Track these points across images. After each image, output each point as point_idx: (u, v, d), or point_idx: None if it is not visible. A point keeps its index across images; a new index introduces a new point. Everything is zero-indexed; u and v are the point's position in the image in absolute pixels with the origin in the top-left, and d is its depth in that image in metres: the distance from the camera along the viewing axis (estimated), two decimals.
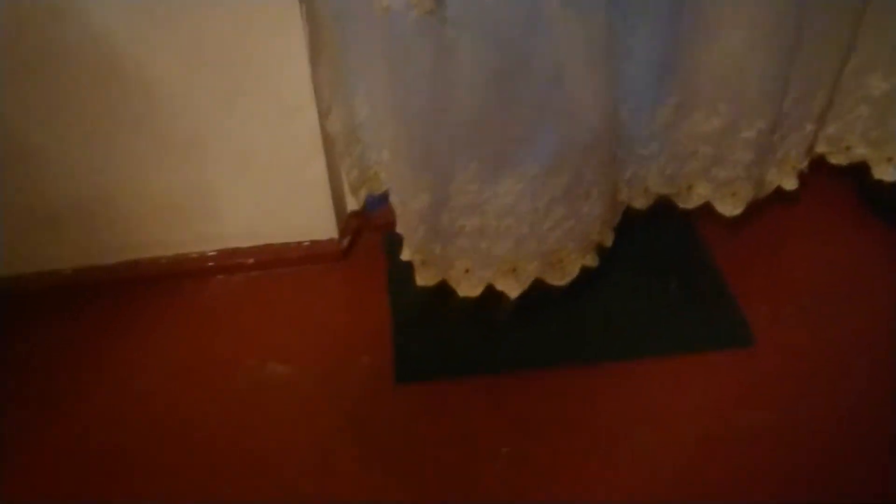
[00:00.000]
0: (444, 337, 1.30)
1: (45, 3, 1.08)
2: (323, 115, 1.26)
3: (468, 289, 1.23)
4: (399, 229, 1.24)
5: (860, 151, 1.44)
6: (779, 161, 1.38)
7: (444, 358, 1.27)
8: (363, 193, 1.38)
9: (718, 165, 1.31)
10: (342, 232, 1.43)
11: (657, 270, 1.40)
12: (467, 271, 1.22)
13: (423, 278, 1.25)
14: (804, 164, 1.41)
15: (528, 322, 1.31)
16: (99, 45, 1.13)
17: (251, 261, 1.41)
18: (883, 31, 1.30)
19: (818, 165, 1.45)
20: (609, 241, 1.32)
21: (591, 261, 1.27)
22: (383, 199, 1.31)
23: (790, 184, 1.40)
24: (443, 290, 1.26)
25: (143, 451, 1.15)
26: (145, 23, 1.12)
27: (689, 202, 1.37)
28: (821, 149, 1.45)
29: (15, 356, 1.30)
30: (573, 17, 1.02)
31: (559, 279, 1.23)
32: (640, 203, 1.39)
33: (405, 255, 1.25)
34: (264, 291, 1.39)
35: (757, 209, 1.40)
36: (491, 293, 1.22)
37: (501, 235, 1.18)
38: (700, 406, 1.18)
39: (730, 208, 1.36)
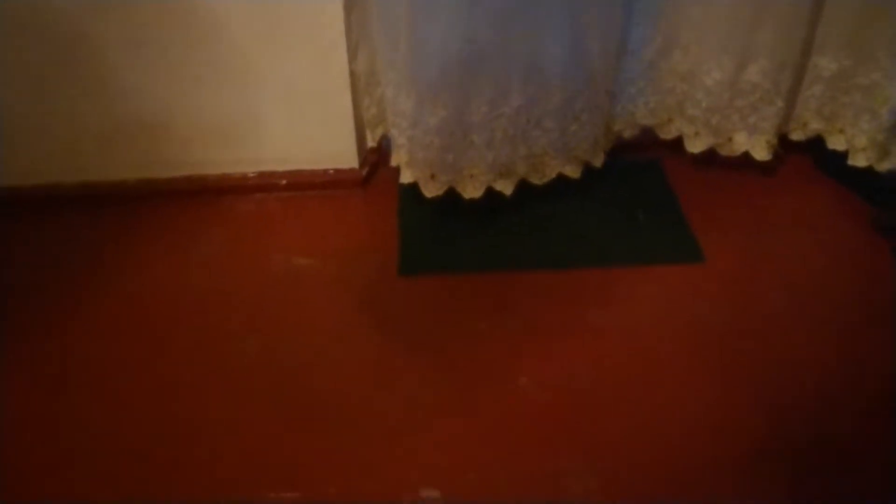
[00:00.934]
0: (440, 243, 1.55)
1: None
2: (351, 55, 1.52)
3: (473, 191, 1.51)
4: (400, 157, 1.50)
5: (815, 126, 1.66)
6: (751, 128, 1.61)
7: (439, 258, 1.52)
8: (379, 132, 1.64)
9: (689, 102, 1.57)
10: (362, 163, 1.67)
11: (630, 203, 1.63)
12: (472, 177, 1.50)
13: (431, 190, 1.50)
14: (775, 140, 1.63)
15: (515, 234, 1.55)
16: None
17: (284, 182, 1.66)
18: (830, 17, 1.52)
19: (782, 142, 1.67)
20: (598, 162, 1.59)
21: (572, 172, 1.55)
22: None
23: (761, 154, 1.63)
24: (440, 208, 1.54)
25: (187, 317, 1.42)
26: None
27: (668, 133, 1.65)
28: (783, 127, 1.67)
29: (84, 247, 1.57)
30: None
31: (538, 179, 1.54)
32: (628, 133, 1.66)
33: (406, 178, 1.52)
34: (294, 207, 1.64)
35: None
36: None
37: (501, 144, 1.45)
38: (654, 302, 1.40)
39: (691, 145, 1.62)
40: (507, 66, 1.40)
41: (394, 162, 1.55)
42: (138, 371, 1.31)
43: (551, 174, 1.56)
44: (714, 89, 1.54)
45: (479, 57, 1.36)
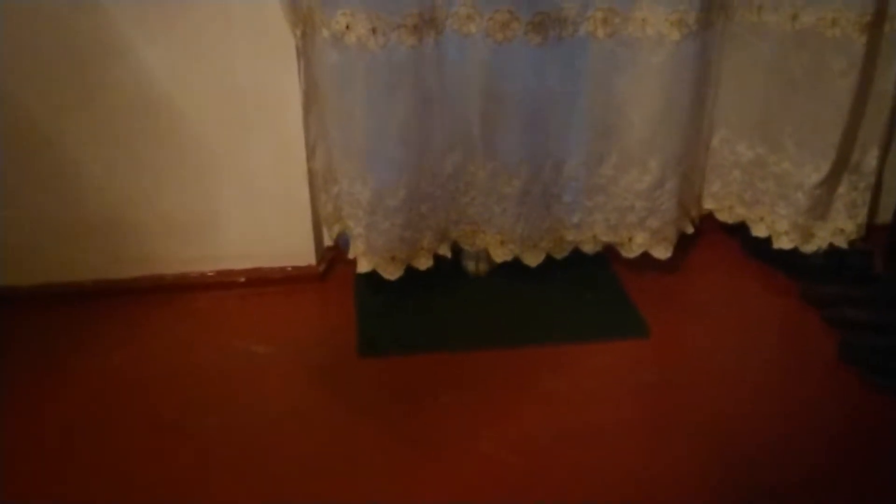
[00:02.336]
0: (398, 325, 1.60)
1: (105, 46, 1.45)
2: (309, 153, 1.61)
3: (425, 262, 1.61)
4: (357, 247, 1.58)
5: (739, 211, 1.80)
6: (686, 208, 1.74)
7: (397, 339, 1.56)
8: (336, 229, 1.71)
9: (652, 216, 1.65)
10: (320, 259, 1.73)
11: (578, 283, 1.71)
12: (423, 248, 1.60)
13: (392, 273, 1.58)
14: (695, 213, 1.77)
15: (469, 313, 1.62)
16: (141, 83, 1.50)
17: (243, 279, 1.71)
18: (743, 111, 1.70)
19: (712, 227, 1.82)
20: (532, 262, 1.66)
21: (502, 254, 1.65)
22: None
23: (688, 228, 1.75)
24: (395, 294, 1.61)
25: (152, 405, 1.40)
26: (183, 65, 1.49)
27: (631, 251, 1.70)
28: (710, 205, 1.81)
29: (38, 345, 1.56)
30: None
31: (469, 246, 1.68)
32: (589, 248, 1.73)
33: (364, 267, 1.58)
34: (252, 302, 1.68)
35: None
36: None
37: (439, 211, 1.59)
38: (604, 372, 1.45)
39: (663, 252, 1.69)
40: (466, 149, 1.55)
41: (352, 254, 1.61)
42: (100, 452, 1.29)
43: (481, 244, 1.67)
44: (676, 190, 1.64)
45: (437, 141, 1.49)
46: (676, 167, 1.61)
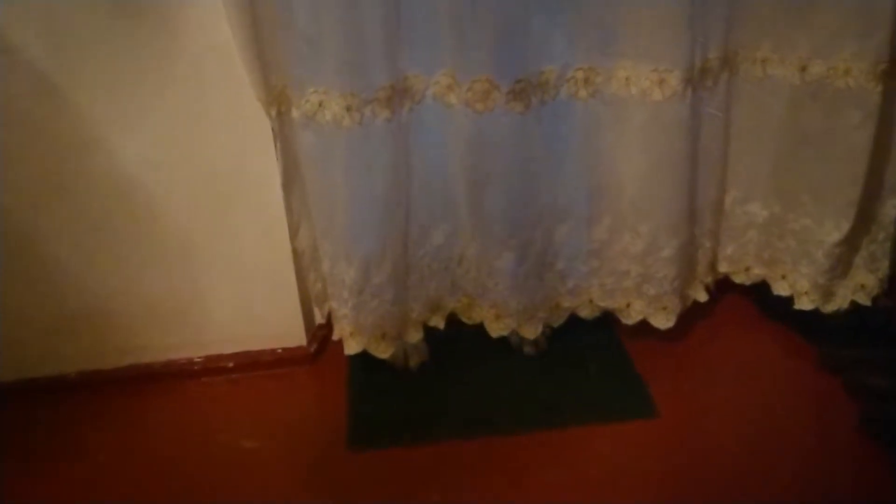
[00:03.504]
0: (390, 413, 1.51)
1: (78, 139, 1.40)
2: (293, 233, 1.54)
3: (414, 335, 1.56)
4: (343, 329, 1.50)
5: (758, 272, 1.68)
6: (693, 277, 1.63)
7: (389, 429, 1.47)
8: (327, 307, 1.63)
9: (648, 283, 1.55)
10: (310, 339, 1.66)
11: (581, 358, 1.61)
12: (411, 321, 1.55)
13: (384, 350, 1.52)
14: (709, 279, 1.65)
15: (466, 397, 1.53)
16: (117, 173, 1.45)
17: (231, 364, 1.63)
18: (755, 169, 1.59)
19: (725, 286, 1.69)
20: (530, 334, 1.55)
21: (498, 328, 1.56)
22: None
23: (701, 296, 1.64)
24: (389, 376, 1.54)
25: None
26: (158, 153, 1.44)
27: (630, 318, 1.60)
28: (725, 269, 1.69)
29: (19, 439, 1.50)
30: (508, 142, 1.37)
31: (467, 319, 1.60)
32: (586, 313, 1.63)
33: (352, 349, 1.51)
34: (241, 389, 1.60)
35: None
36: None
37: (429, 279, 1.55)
38: (608, 461, 1.34)
39: (663, 321, 1.58)
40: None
41: (336, 335, 1.53)
42: None
43: (477, 318, 1.58)
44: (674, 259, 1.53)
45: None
46: (672, 234, 1.50)
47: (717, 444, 1.38)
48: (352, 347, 1.51)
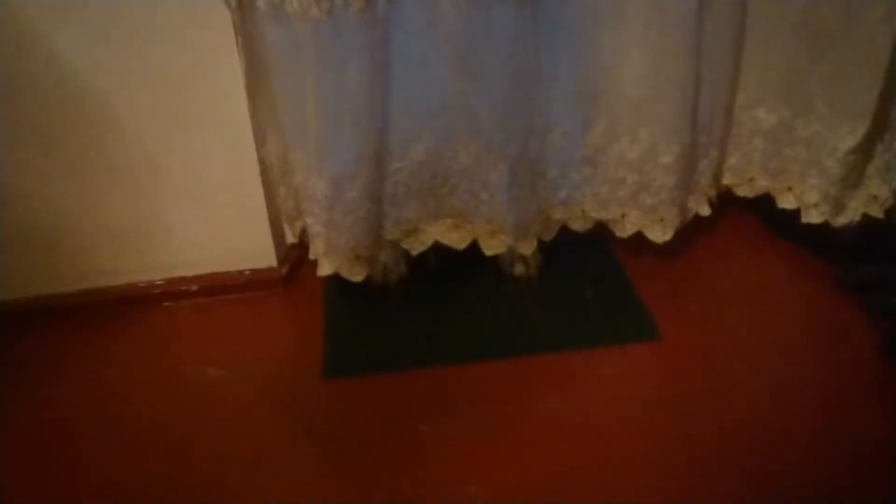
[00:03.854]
0: (370, 339, 1.40)
1: (15, 34, 1.23)
2: (259, 141, 1.39)
3: (386, 255, 1.43)
4: (317, 247, 1.37)
5: (762, 183, 1.56)
6: (694, 188, 1.51)
7: (370, 356, 1.36)
8: (299, 225, 1.49)
9: (645, 192, 1.43)
10: (282, 260, 1.52)
11: (576, 280, 1.49)
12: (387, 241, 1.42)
13: (358, 273, 1.39)
14: (713, 192, 1.53)
15: (454, 322, 1.41)
16: (63, 75, 1.28)
17: (195, 288, 1.50)
18: (764, 72, 1.45)
19: (727, 201, 1.57)
20: (526, 249, 1.44)
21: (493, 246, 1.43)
22: None
23: (704, 210, 1.52)
24: (368, 301, 1.43)
25: (89, 445, 1.22)
26: (105, 53, 1.27)
27: (624, 230, 1.48)
28: (727, 180, 1.57)
29: None
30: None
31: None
32: (579, 226, 1.51)
33: (325, 270, 1.38)
34: (207, 315, 1.48)
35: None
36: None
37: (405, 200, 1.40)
38: (611, 385, 1.24)
39: (659, 234, 1.47)
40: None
41: (312, 255, 1.41)
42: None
43: (467, 238, 1.45)
44: (674, 167, 1.41)
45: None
46: (673, 139, 1.37)
47: (726, 370, 1.28)
48: (324, 268, 1.39)
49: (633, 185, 1.43)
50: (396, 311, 1.43)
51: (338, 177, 1.29)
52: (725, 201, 1.60)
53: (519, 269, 1.50)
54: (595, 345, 1.33)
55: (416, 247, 1.45)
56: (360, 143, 1.28)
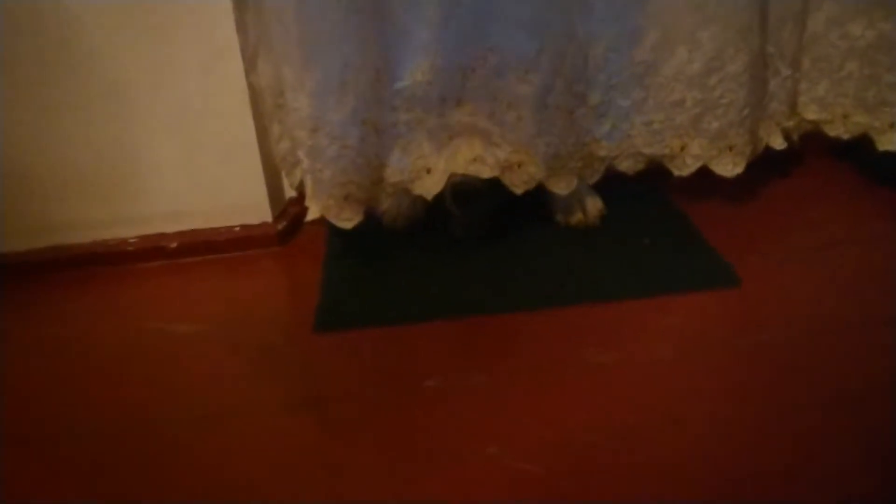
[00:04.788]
0: (378, 293, 1.13)
1: None
2: (248, 65, 1.17)
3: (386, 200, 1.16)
4: (309, 182, 1.13)
5: (859, 120, 1.28)
6: (763, 113, 1.24)
7: (375, 310, 1.09)
8: (298, 174, 1.25)
9: (710, 113, 1.17)
10: (278, 216, 1.28)
11: (629, 229, 1.22)
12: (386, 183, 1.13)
13: (348, 217, 1.13)
14: (791, 124, 1.26)
15: (476, 278, 1.14)
16: None
17: (174, 245, 1.27)
18: None
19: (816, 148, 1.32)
20: (562, 189, 1.18)
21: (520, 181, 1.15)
22: None
23: (777, 142, 1.26)
24: (379, 260, 1.19)
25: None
26: None
27: (685, 167, 1.22)
28: (814, 114, 1.29)
29: None
30: None
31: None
32: (628, 166, 1.24)
33: (314, 213, 1.15)
34: (186, 277, 1.24)
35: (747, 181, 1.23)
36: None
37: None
38: (676, 335, 0.95)
39: (729, 166, 1.20)
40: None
41: (308, 201, 1.16)
42: None
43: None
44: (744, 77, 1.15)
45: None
46: (741, 42, 1.12)
47: (820, 317, 0.99)
48: (313, 212, 1.15)
49: (694, 107, 1.16)
50: (413, 264, 1.17)
51: (321, 89, 1.04)
52: (812, 150, 1.32)
53: (577, 216, 1.22)
54: (652, 293, 1.05)
55: (430, 190, 1.17)
56: (348, 48, 1.04)
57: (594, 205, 1.24)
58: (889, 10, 1.19)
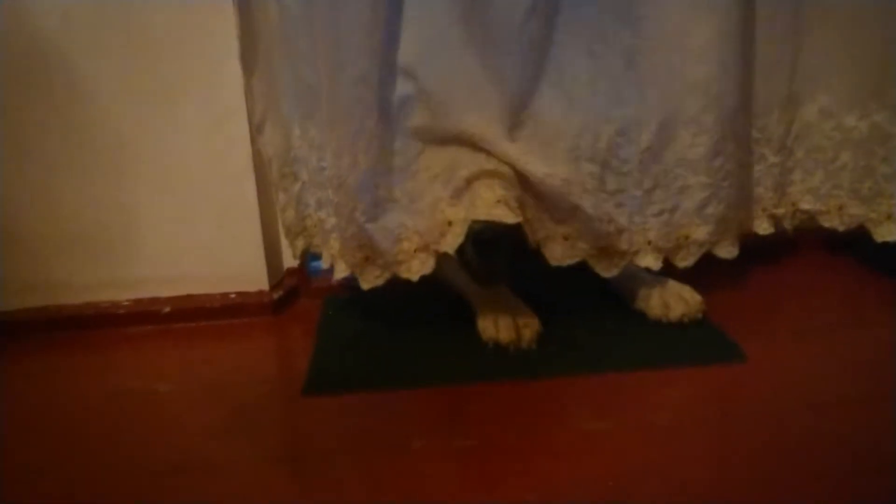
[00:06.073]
0: (371, 360, 1.10)
1: None
2: (255, 131, 1.19)
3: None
4: (331, 246, 1.13)
5: (854, 212, 1.29)
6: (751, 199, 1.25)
7: (366, 374, 1.06)
8: (300, 245, 1.25)
9: (715, 199, 1.17)
10: (275, 285, 1.27)
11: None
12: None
13: (371, 277, 1.10)
14: (779, 210, 1.27)
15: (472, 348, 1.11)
16: (23, 34, 1.11)
17: (167, 310, 1.25)
18: (851, 69, 1.23)
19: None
20: (606, 271, 1.16)
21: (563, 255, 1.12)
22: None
23: (762, 227, 1.26)
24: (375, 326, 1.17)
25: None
26: (75, 14, 1.12)
27: (688, 257, 1.19)
28: (808, 205, 1.31)
29: None
30: None
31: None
32: (649, 262, 1.18)
33: (341, 271, 1.12)
34: (179, 342, 1.21)
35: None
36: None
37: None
38: (674, 406, 0.92)
39: (728, 249, 1.20)
40: None
41: (326, 262, 1.16)
42: None
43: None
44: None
45: None
46: (733, 122, 1.14)
47: (825, 388, 0.96)
48: (339, 270, 1.13)
49: (699, 191, 1.17)
50: (408, 333, 1.15)
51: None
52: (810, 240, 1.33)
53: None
54: (655, 366, 1.02)
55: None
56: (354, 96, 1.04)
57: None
58: (883, 102, 1.22)
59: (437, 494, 0.79)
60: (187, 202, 1.22)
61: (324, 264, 1.18)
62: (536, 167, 1.07)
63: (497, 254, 1.07)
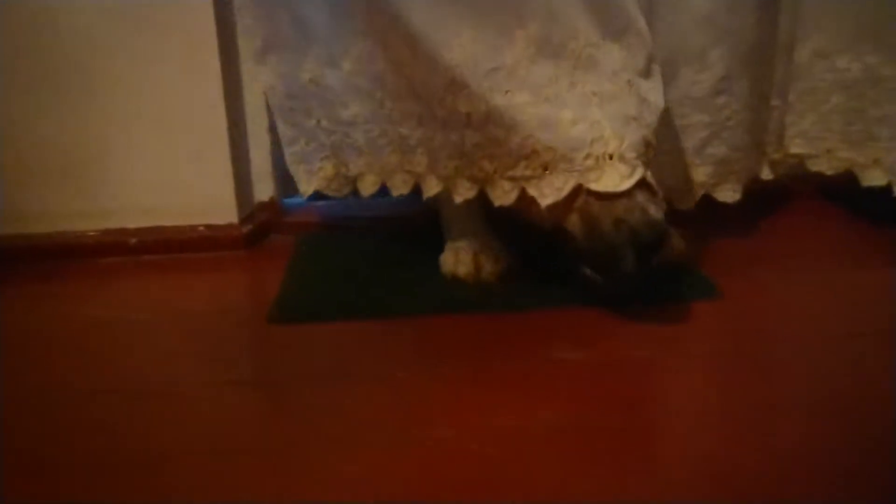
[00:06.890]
0: (344, 291, 1.07)
1: None
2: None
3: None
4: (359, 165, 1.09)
5: (843, 155, 1.26)
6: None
7: (338, 304, 1.03)
8: (328, 168, 1.15)
9: (718, 139, 1.14)
10: (244, 217, 1.24)
11: None
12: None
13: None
14: (777, 155, 1.24)
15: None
16: None
17: (134, 241, 1.21)
18: (845, 10, 1.20)
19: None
20: None
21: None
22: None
23: (765, 173, 1.23)
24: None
25: None
26: None
27: (688, 200, 1.17)
28: (798, 148, 1.28)
29: None
30: None
31: None
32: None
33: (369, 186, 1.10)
34: (145, 273, 1.18)
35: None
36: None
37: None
38: (649, 341, 0.90)
39: (730, 193, 1.17)
40: None
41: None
42: None
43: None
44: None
45: None
46: (745, 65, 1.10)
47: (807, 324, 0.94)
48: (367, 184, 1.11)
49: (701, 130, 1.13)
50: (383, 267, 1.13)
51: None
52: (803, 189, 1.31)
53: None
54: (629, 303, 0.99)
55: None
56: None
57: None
58: (876, 44, 1.19)
59: (404, 421, 0.76)
60: (158, 133, 1.19)
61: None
62: None
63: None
